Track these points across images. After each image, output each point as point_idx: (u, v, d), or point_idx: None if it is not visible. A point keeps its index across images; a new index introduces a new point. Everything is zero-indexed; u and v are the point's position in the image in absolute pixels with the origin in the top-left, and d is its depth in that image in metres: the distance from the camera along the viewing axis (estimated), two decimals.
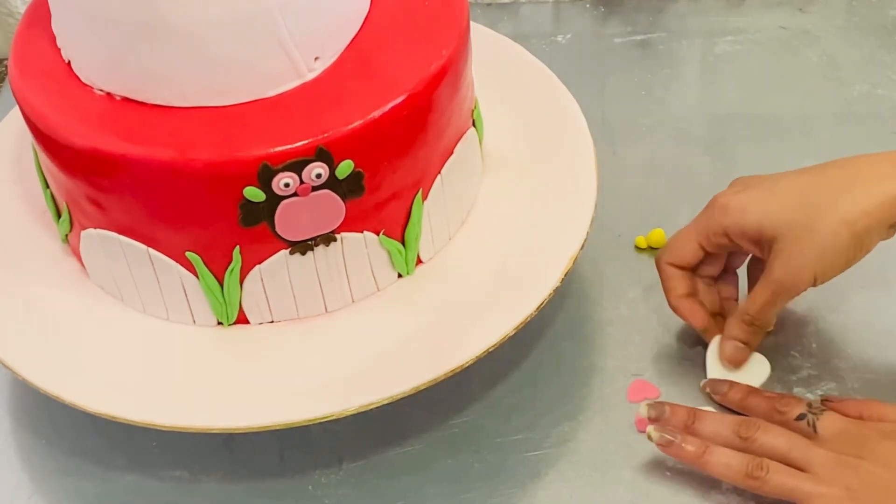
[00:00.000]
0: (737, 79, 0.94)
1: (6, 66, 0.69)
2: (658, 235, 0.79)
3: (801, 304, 0.74)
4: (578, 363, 0.73)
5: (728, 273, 0.72)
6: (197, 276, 0.64)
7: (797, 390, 0.70)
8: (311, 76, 0.64)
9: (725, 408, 0.69)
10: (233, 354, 0.66)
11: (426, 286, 0.69)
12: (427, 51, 0.65)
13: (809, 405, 0.64)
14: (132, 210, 0.63)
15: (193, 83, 0.62)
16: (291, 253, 0.64)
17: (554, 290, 0.66)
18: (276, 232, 0.62)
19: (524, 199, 0.72)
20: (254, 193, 0.60)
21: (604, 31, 1.00)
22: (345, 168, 0.61)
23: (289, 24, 0.61)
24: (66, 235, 0.70)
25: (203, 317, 0.67)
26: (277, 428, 0.62)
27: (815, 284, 0.65)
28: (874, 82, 0.92)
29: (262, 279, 0.65)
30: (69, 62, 0.65)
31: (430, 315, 0.67)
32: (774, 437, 0.63)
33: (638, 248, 0.79)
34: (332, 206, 0.63)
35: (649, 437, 0.64)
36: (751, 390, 0.68)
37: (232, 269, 0.64)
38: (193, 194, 0.61)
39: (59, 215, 0.69)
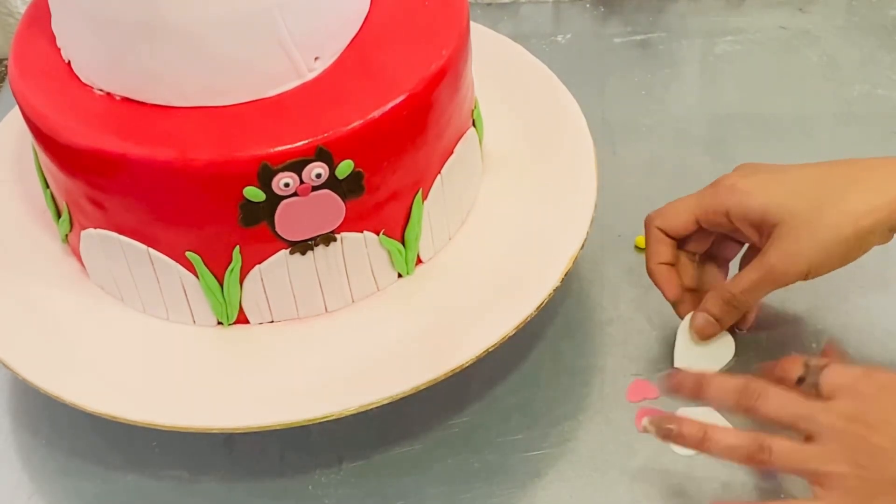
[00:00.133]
0: (737, 79, 0.94)
1: (6, 66, 0.69)
2: None
3: (801, 304, 0.74)
4: (578, 363, 0.73)
5: (719, 261, 0.72)
6: (197, 276, 0.64)
7: None
8: (311, 76, 0.64)
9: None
10: (233, 354, 0.66)
11: (426, 286, 0.69)
12: (427, 51, 0.65)
13: (806, 364, 0.61)
14: (132, 210, 0.63)
15: (193, 83, 0.62)
16: (291, 253, 0.64)
17: (554, 290, 0.66)
18: (276, 232, 0.62)
19: (524, 199, 0.72)
20: (254, 193, 0.60)
21: (604, 31, 1.00)
22: (345, 168, 0.61)
23: (289, 24, 0.61)
24: (66, 235, 0.70)
25: (203, 317, 0.67)
26: (277, 428, 0.62)
27: (806, 277, 0.65)
28: (874, 82, 0.92)
29: (262, 279, 0.65)
30: (69, 62, 0.65)
31: (430, 315, 0.67)
32: (777, 408, 0.59)
33: (638, 248, 0.79)
34: (332, 206, 0.63)
35: (646, 430, 0.63)
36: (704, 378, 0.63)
37: (232, 269, 0.64)
38: (193, 194, 0.61)
39: (59, 215, 0.69)
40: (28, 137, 0.66)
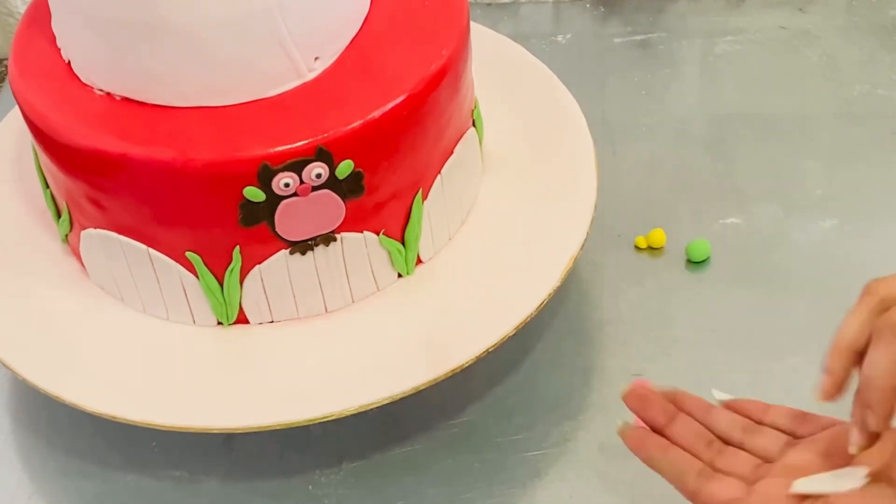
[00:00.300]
0: (737, 79, 0.94)
1: (6, 66, 0.69)
2: (658, 235, 0.79)
3: (802, 304, 0.74)
4: (578, 363, 0.73)
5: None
6: (197, 276, 0.64)
7: None
8: (311, 76, 0.64)
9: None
10: (233, 354, 0.66)
11: (426, 286, 0.69)
12: (427, 51, 0.65)
13: None
14: (132, 210, 0.63)
15: (193, 83, 0.62)
16: (291, 253, 0.64)
17: (554, 290, 0.66)
18: (276, 232, 0.62)
19: (524, 199, 0.72)
20: (254, 193, 0.60)
21: (604, 31, 1.00)
22: (345, 168, 0.61)
23: (289, 24, 0.61)
24: (66, 235, 0.70)
25: (203, 317, 0.67)
26: (277, 428, 0.62)
27: None
28: (874, 82, 0.92)
29: (262, 279, 0.65)
30: (69, 62, 0.65)
31: (430, 315, 0.67)
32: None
33: (638, 248, 0.79)
34: (332, 206, 0.63)
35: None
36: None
37: (232, 269, 0.64)
38: (193, 194, 0.61)
39: (59, 215, 0.69)
40: (28, 137, 0.66)
